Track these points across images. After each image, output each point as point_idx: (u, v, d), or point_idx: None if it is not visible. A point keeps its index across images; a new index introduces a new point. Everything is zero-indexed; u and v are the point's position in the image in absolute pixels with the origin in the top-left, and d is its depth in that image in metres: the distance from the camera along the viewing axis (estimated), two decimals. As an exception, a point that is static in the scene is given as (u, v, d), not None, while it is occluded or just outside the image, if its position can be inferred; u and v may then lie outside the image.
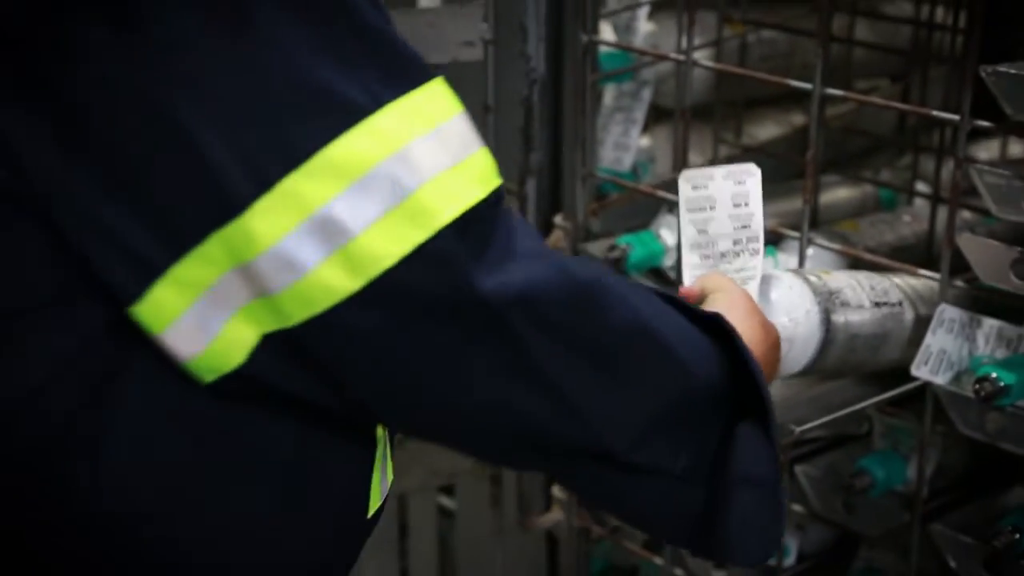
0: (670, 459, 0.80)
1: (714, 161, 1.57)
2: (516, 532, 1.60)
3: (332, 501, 0.79)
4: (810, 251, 1.29)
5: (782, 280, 1.05)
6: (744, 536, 0.84)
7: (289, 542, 0.78)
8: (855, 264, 1.34)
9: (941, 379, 1.15)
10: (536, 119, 1.40)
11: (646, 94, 1.49)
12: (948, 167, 1.47)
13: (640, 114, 1.49)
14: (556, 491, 1.58)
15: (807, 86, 1.20)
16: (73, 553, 0.73)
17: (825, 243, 1.30)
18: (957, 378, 1.15)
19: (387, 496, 0.83)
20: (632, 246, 1.37)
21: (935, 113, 1.22)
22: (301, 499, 0.77)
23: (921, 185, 1.63)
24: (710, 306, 0.90)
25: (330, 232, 0.66)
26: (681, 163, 1.36)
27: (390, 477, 0.84)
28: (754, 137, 1.65)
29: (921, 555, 1.24)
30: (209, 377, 0.70)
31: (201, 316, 0.68)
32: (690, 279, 0.98)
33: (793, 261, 1.28)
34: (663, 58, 1.41)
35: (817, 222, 1.49)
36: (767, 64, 1.60)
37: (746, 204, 0.98)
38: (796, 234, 1.25)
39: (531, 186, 1.43)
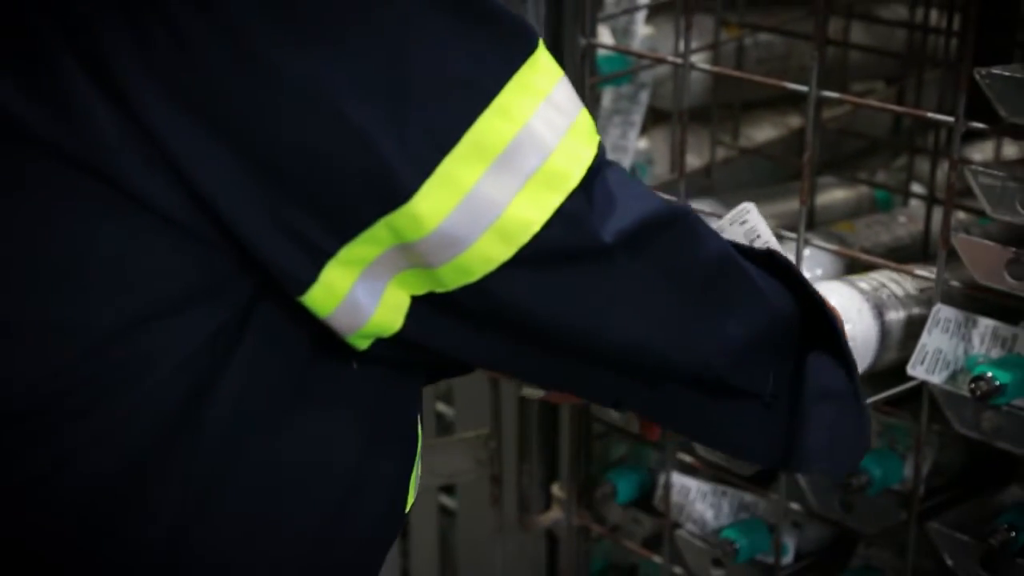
0: (763, 381, 0.87)
1: (712, 162, 1.57)
2: (516, 532, 1.61)
3: (383, 496, 0.83)
4: (807, 252, 1.29)
5: (827, 285, 1.07)
6: (829, 448, 0.90)
7: (343, 537, 0.81)
8: (851, 265, 1.35)
9: (937, 378, 1.15)
10: (535, 122, 1.40)
11: (644, 97, 1.50)
12: (943, 168, 1.48)
13: (638, 116, 1.50)
14: (556, 490, 1.59)
15: (803, 88, 1.21)
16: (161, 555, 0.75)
17: (822, 244, 1.31)
18: (953, 377, 1.15)
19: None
20: (631, 247, 1.38)
21: (930, 115, 1.23)
22: (358, 497, 0.80)
23: (916, 186, 1.64)
24: None
25: (484, 207, 0.71)
26: (679, 165, 1.36)
27: (419, 471, 0.88)
28: (751, 139, 1.66)
29: (918, 553, 1.25)
30: (365, 345, 0.75)
31: (363, 289, 0.72)
32: None
33: (790, 262, 1.29)
34: (661, 61, 1.42)
35: (813, 223, 1.50)
36: (764, 67, 1.61)
37: (759, 236, 1.00)
38: (793, 235, 1.26)
39: (530, 188, 1.43)
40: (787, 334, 0.88)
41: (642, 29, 1.50)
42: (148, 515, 0.74)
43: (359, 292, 0.72)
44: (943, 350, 1.15)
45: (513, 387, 1.04)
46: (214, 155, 0.67)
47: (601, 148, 0.76)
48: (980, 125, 1.12)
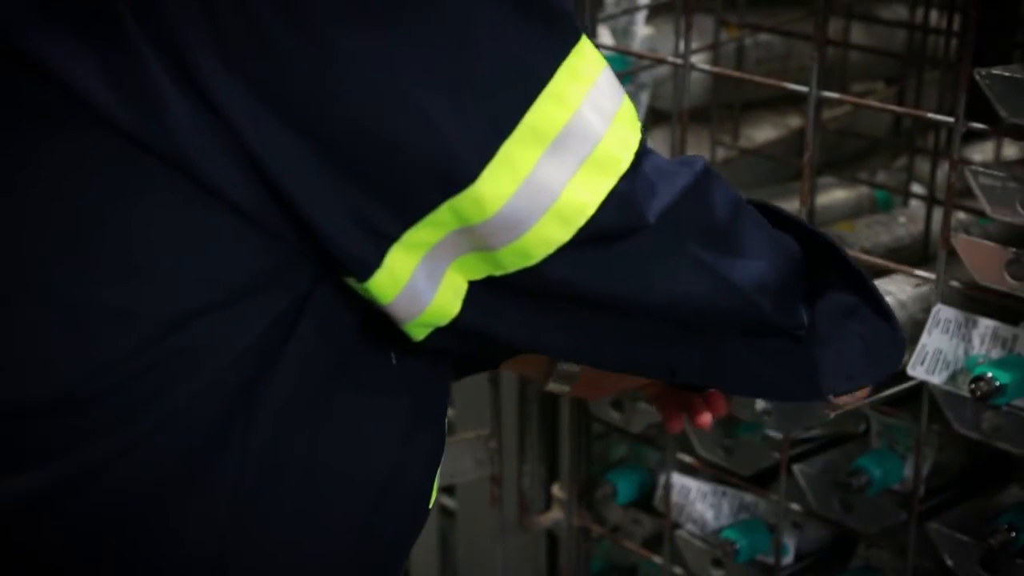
0: (798, 315, 0.91)
1: (712, 162, 1.57)
2: (516, 532, 1.61)
3: (413, 492, 0.85)
4: (807, 252, 1.29)
5: None
6: (866, 360, 0.96)
7: (377, 535, 0.83)
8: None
9: (937, 379, 1.15)
10: (535, 122, 1.40)
11: (644, 97, 1.50)
12: (943, 169, 1.48)
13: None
14: (556, 491, 1.59)
15: (803, 89, 1.21)
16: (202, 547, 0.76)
17: (822, 244, 1.31)
18: (953, 378, 1.16)
19: None
20: (631, 248, 1.38)
21: (930, 115, 1.23)
22: (393, 493, 0.82)
23: (916, 187, 1.64)
24: None
25: (542, 191, 0.72)
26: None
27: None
28: (751, 139, 1.66)
29: (918, 553, 1.25)
30: (422, 335, 0.77)
31: (424, 274, 0.74)
32: None
33: (790, 262, 1.29)
34: (661, 61, 1.42)
35: (813, 223, 1.50)
36: (764, 67, 1.61)
37: None
38: (793, 235, 1.26)
39: (530, 188, 1.43)
40: (801, 269, 0.91)
41: (642, 29, 1.50)
42: (199, 512, 0.75)
43: (420, 276, 0.74)
44: (943, 350, 1.15)
45: (537, 383, 1.05)
46: (285, 141, 0.69)
47: (644, 132, 0.79)
48: (980, 125, 1.12)
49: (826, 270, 0.94)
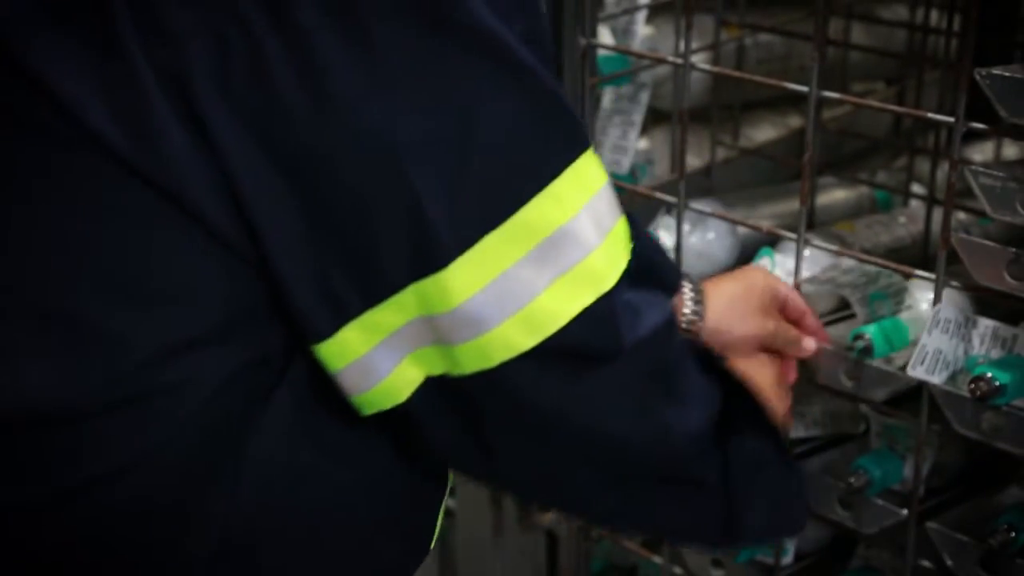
0: (714, 466, 0.87)
1: (712, 162, 1.57)
2: (516, 532, 1.61)
3: (409, 533, 0.84)
4: (807, 252, 1.29)
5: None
6: (769, 519, 0.92)
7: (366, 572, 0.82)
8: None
9: (937, 379, 1.15)
10: (535, 122, 1.40)
11: (644, 97, 1.50)
12: (943, 169, 1.48)
13: (638, 117, 1.50)
14: (555, 491, 1.59)
15: (803, 89, 1.21)
16: None
17: (822, 244, 1.31)
18: (953, 378, 1.15)
19: None
20: (631, 248, 1.38)
21: (930, 115, 1.23)
22: (383, 540, 0.82)
23: (917, 187, 1.64)
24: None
25: (513, 292, 0.69)
26: (679, 165, 1.36)
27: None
28: (751, 139, 1.66)
29: (918, 553, 1.25)
30: (369, 411, 0.73)
31: (379, 357, 0.71)
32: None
33: (790, 262, 1.29)
34: (661, 61, 1.42)
35: (814, 223, 1.50)
36: (764, 67, 1.61)
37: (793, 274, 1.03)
38: (793, 235, 1.26)
39: (530, 188, 1.43)
40: (721, 416, 0.88)
41: (642, 29, 1.50)
42: (186, 549, 0.74)
43: (375, 357, 0.71)
44: (943, 350, 1.15)
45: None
46: (274, 188, 0.67)
47: (633, 255, 0.76)
48: (980, 125, 1.12)
49: (742, 418, 0.90)
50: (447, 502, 1.83)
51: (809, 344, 1.10)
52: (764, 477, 0.92)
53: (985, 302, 1.17)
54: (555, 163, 0.70)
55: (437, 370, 0.73)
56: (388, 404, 0.74)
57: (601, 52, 1.43)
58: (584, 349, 0.73)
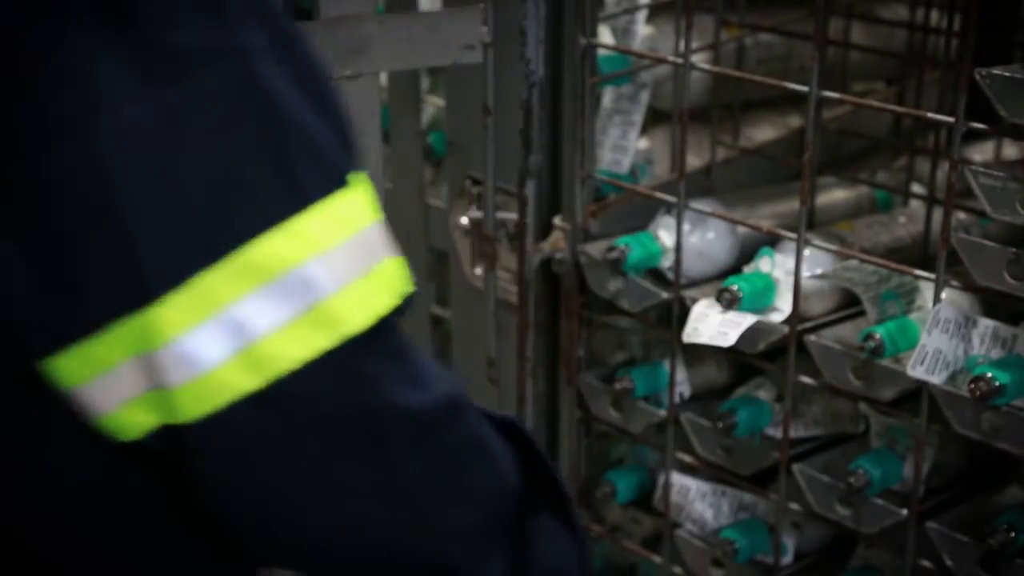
0: (497, 569, 0.79)
1: (712, 162, 1.57)
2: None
3: None
4: (807, 252, 1.30)
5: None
6: None
7: None
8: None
9: (937, 379, 1.15)
10: (535, 121, 1.41)
11: (644, 97, 1.50)
12: (943, 169, 1.48)
13: (638, 116, 1.50)
14: (555, 491, 1.59)
15: (804, 89, 1.21)
16: None
17: (822, 244, 1.31)
18: (953, 378, 1.16)
19: None
20: (631, 247, 1.38)
21: (930, 115, 1.23)
22: None
23: (916, 187, 1.64)
24: None
25: (236, 331, 0.65)
26: (679, 165, 1.36)
27: None
28: (751, 139, 1.66)
29: (917, 553, 1.25)
30: (125, 438, 0.69)
31: (101, 392, 0.66)
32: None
33: (790, 262, 1.29)
34: (661, 61, 1.42)
35: (814, 223, 1.50)
36: (764, 67, 1.61)
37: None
38: (793, 235, 1.26)
39: (530, 188, 1.44)
40: (516, 510, 0.81)
41: (642, 29, 1.50)
42: None
43: (93, 391, 0.66)
44: (943, 350, 1.15)
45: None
46: None
47: (407, 303, 0.70)
48: (980, 125, 1.12)
49: (537, 486, 0.83)
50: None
51: None
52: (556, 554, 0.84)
53: (985, 302, 1.17)
54: (295, 200, 0.65)
55: (164, 418, 0.66)
56: (123, 437, 0.68)
57: (601, 52, 1.43)
58: (327, 403, 0.67)
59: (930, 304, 1.19)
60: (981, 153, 1.72)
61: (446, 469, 0.74)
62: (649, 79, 1.50)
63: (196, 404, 0.65)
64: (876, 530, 1.28)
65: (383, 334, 0.68)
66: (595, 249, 1.43)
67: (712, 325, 1.30)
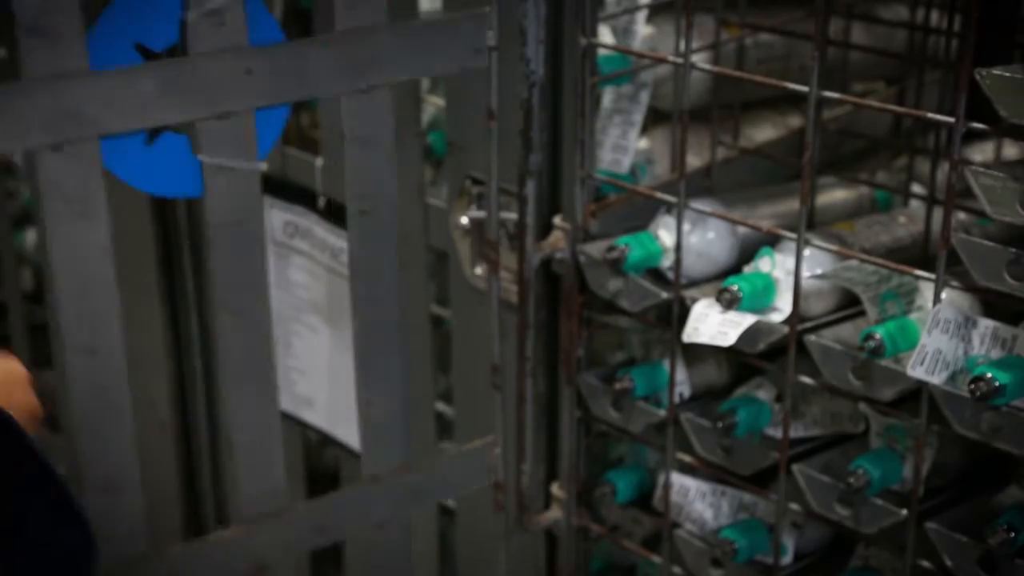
0: None
1: (712, 162, 1.57)
2: (516, 532, 1.61)
3: None
4: (807, 252, 1.30)
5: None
6: None
7: None
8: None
9: (937, 379, 1.15)
10: (535, 121, 1.40)
11: (644, 97, 1.50)
12: (943, 169, 1.48)
13: (638, 116, 1.50)
14: (555, 490, 1.59)
15: (804, 89, 1.21)
16: None
17: (822, 244, 1.31)
18: (953, 378, 1.16)
19: None
20: (630, 247, 1.38)
21: (930, 116, 1.23)
22: None
23: (916, 187, 1.64)
24: None
25: None
26: (679, 165, 1.36)
27: None
28: (751, 139, 1.66)
29: (917, 553, 1.25)
30: None
31: None
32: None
33: (790, 262, 1.29)
34: (661, 61, 1.42)
35: (814, 223, 1.50)
36: (764, 67, 1.61)
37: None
38: (793, 235, 1.26)
39: (531, 187, 1.43)
40: None
41: (642, 29, 1.50)
42: None
43: None
44: (943, 351, 1.15)
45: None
46: None
47: None
48: (980, 125, 1.12)
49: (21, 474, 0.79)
50: (448, 502, 1.84)
51: None
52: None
53: (985, 302, 1.17)
54: None
55: None
56: None
57: (601, 52, 1.43)
58: None
59: (930, 304, 1.19)
60: (981, 153, 1.72)
61: None
62: (649, 79, 1.51)
63: None
64: (876, 530, 1.28)
65: None
66: (595, 249, 1.43)
67: (712, 325, 1.30)
